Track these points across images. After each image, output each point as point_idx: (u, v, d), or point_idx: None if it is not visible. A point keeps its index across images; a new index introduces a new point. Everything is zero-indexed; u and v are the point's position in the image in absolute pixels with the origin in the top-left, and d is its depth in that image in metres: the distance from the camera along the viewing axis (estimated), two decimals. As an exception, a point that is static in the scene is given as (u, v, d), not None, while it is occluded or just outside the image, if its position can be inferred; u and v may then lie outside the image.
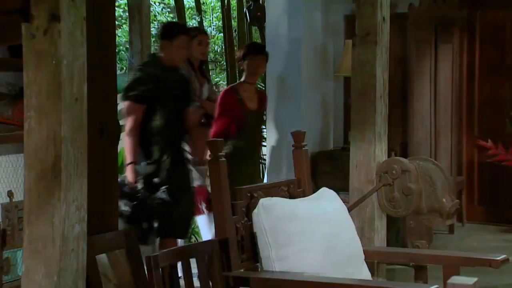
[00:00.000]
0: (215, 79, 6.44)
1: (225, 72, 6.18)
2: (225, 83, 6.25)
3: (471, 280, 1.53)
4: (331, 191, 3.07)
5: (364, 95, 3.59)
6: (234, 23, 6.02)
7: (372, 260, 3.13)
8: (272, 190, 2.92)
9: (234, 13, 5.99)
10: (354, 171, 3.66)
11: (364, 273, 2.88)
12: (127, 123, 4.08)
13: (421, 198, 3.53)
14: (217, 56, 6.57)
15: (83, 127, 2.07)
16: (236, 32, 6.00)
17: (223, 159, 2.69)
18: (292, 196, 3.02)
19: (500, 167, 6.08)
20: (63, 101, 1.99)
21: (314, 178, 5.73)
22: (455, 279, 1.59)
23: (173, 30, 4.17)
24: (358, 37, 3.55)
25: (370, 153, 3.62)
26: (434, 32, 6.05)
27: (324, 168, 5.64)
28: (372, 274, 3.11)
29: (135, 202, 4.02)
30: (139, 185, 4.05)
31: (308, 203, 2.94)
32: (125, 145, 4.10)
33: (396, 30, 5.80)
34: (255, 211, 2.73)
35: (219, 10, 6.25)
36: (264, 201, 2.75)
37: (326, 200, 2.99)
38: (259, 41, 6.08)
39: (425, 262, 2.91)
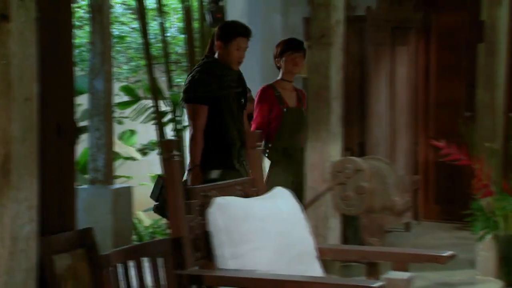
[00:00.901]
0: (176, 80, 6.49)
1: (186, 74, 6.24)
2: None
3: (406, 275, 1.60)
4: (286, 190, 3.13)
5: (319, 96, 3.68)
6: (195, 25, 6.07)
7: (326, 257, 3.20)
8: (227, 190, 2.97)
9: (196, 15, 6.04)
10: (309, 171, 3.75)
11: (316, 270, 2.95)
12: (191, 126, 3.92)
13: (374, 196, 3.63)
14: (178, 57, 6.62)
15: (34, 127, 2.09)
16: (198, 34, 6.04)
17: (177, 158, 2.74)
18: (246, 195, 3.07)
19: (455, 167, 6.22)
20: (13, 100, 2.01)
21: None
22: (391, 274, 1.66)
23: (230, 32, 4.02)
24: (313, 39, 3.64)
25: (325, 153, 3.71)
26: (391, 35, 6.18)
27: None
28: (326, 271, 3.19)
29: None
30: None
31: (263, 202, 2.99)
32: (189, 148, 3.92)
33: (355, 33, 5.93)
34: (210, 210, 2.78)
35: (181, 12, 6.28)
36: (219, 200, 2.80)
37: (280, 199, 3.05)
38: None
39: (375, 259, 2.99)
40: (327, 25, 3.56)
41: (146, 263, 2.57)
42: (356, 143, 6.05)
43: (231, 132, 3.92)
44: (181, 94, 4.03)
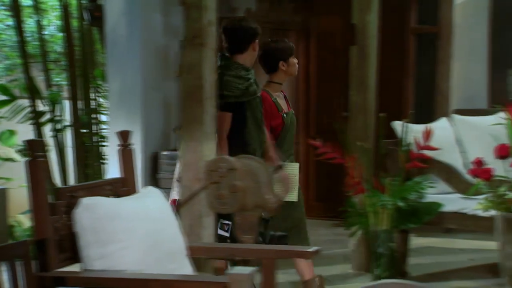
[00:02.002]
0: (55, 79, 6.34)
1: (65, 73, 6.10)
2: (65, 83, 6.16)
3: (248, 270, 1.66)
4: (156, 189, 3.14)
5: (192, 96, 3.71)
6: (74, 23, 5.95)
7: (198, 256, 3.24)
8: (95, 190, 2.95)
9: (75, 13, 5.92)
10: (184, 170, 3.77)
11: (186, 269, 2.98)
12: (219, 135, 3.76)
13: (247, 195, 3.69)
14: (57, 56, 6.48)
15: None
16: (77, 32, 5.93)
17: (42, 158, 2.69)
18: (117, 195, 3.06)
19: (333, 165, 6.43)
20: None
21: (156, 177, 5.80)
22: (234, 269, 1.71)
23: (251, 33, 3.91)
24: (186, 40, 3.66)
25: (199, 153, 3.74)
26: (271, 36, 6.29)
27: (166, 168, 5.71)
28: (199, 270, 3.23)
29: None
30: None
31: (132, 201, 2.99)
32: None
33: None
34: (76, 210, 2.75)
35: (59, 10, 6.14)
36: (85, 201, 2.77)
37: (150, 198, 3.06)
38: (99, 41, 6.05)
39: (245, 256, 3.05)
40: (199, 25, 3.60)
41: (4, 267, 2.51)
42: (238, 142, 6.12)
43: (253, 140, 3.80)
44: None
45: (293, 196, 4.25)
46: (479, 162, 2.43)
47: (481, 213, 3.38)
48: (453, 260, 5.45)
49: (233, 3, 6.42)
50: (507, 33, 6.48)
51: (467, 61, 6.44)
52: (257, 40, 3.98)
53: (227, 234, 3.60)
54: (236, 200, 3.70)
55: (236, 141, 3.78)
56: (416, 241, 5.63)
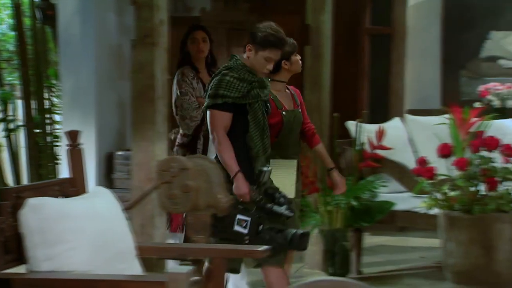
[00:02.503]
0: (8, 78, 6.25)
1: (18, 72, 6.02)
2: (18, 82, 6.08)
3: (186, 269, 1.66)
4: (106, 189, 3.12)
5: (144, 95, 3.69)
6: (27, 22, 5.87)
7: (149, 255, 3.23)
8: (43, 190, 2.91)
9: (27, 12, 5.84)
10: (135, 170, 3.75)
11: (135, 269, 2.96)
12: (215, 132, 3.58)
13: (199, 195, 3.68)
14: (9, 55, 6.39)
15: None
16: (29, 31, 5.85)
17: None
18: (66, 195, 3.03)
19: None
20: None
21: (111, 177, 5.76)
22: (173, 268, 1.72)
23: (268, 41, 3.58)
24: (137, 39, 3.65)
25: (151, 152, 3.72)
26: (227, 36, 6.30)
27: (121, 168, 5.67)
28: (151, 270, 3.21)
29: (260, 214, 3.47)
30: (256, 194, 3.50)
31: (81, 201, 2.96)
32: (220, 158, 3.60)
33: (190, 33, 6.00)
34: (22, 211, 2.71)
35: (11, 8, 6.05)
36: (31, 201, 2.73)
37: (100, 198, 3.04)
38: (51, 40, 5.99)
39: (195, 255, 3.05)
40: (150, 25, 3.58)
41: None
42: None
43: (255, 144, 3.62)
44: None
45: (290, 192, 4.12)
46: (422, 161, 2.48)
47: (430, 211, 3.44)
48: (405, 258, 5.52)
49: (188, 2, 6.41)
50: (459, 34, 6.60)
51: (420, 62, 6.54)
52: (269, 50, 3.60)
53: (245, 231, 3.42)
54: (188, 200, 3.69)
55: (238, 145, 3.62)
56: (370, 240, 5.69)
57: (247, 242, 3.37)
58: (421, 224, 4.55)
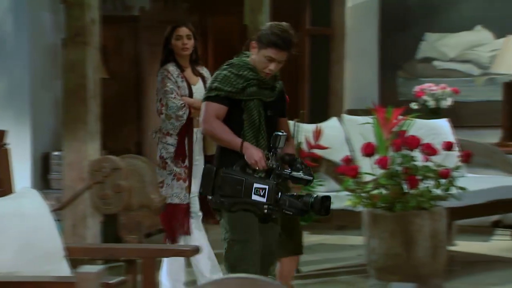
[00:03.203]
0: None
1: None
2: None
3: (96, 268, 1.66)
4: (33, 189, 3.08)
5: (75, 94, 3.66)
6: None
7: (78, 256, 3.19)
8: (-34, 191, 2.86)
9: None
10: (67, 170, 3.71)
11: (63, 270, 2.93)
12: (205, 121, 3.38)
13: (132, 194, 3.68)
14: None
15: None
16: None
17: None
18: (-9, 196, 2.98)
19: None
20: None
21: (47, 178, 5.68)
22: (83, 268, 1.71)
23: (270, 39, 3.40)
24: (68, 38, 3.61)
25: (83, 152, 3.69)
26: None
27: (57, 168, 5.60)
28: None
29: (277, 181, 3.30)
30: (273, 161, 3.31)
31: (6, 202, 2.92)
32: (219, 138, 3.41)
33: (130, 33, 5.97)
34: None
35: None
36: (-47, 202, 2.69)
37: (26, 199, 2.99)
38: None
39: (124, 256, 3.03)
40: (81, 24, 3.55)
41: None
42: (133, 142, 6.08)
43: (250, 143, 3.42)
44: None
45: None
46: (347, 160, 2.53)
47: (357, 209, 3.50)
48: (343, 256, 5.59)
49: (127, 1, 6.36)
50: (396, 35, 6.72)
51: (359, 62, 6.63)
52: (271, 49, 3.40)
53: (263, 200, 3.29)
54: (121, 200, 3.69)
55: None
56: (309, 239, 5.74)
57: (266, 210, 3.28)
58: (357, 222, 4.61)
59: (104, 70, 5.73)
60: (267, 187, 3.30)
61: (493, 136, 6.28)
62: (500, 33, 6.30)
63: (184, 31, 4.48)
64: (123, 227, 3.65)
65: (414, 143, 2.53)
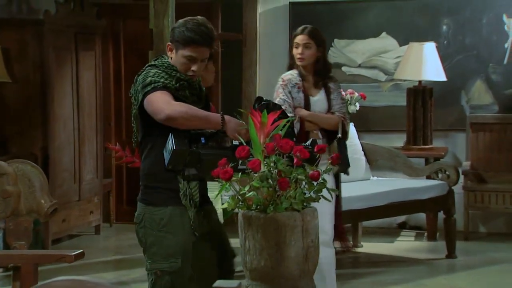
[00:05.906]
0: None
1: None
2: None
3: None
4: None
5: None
6: None
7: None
8: None
9: None
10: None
11: None
12: (163, 110, 2.98)
13: (20, 200, 3.61)
14: None
15: None
16: None
17: None
18: None
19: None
20: None
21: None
22: None
23: (186, 37, 3.12)
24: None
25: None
26: (74, 40, 6.21)
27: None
28: None
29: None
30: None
31: None
32: (191, 117, 3.02)
33: (34, 36, 5.87)
34: None
35: None
36: None
37: None
38: None
39: (4, 263, 2.99)
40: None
41: None
42: (39, 147, 5.98)
43: (182, 141, 3.02)
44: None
45: None
46: (222, 164, 2.55)
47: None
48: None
49: (33, 4, 6.26)
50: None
51: (270, 67, 6.69)
52: (189, 47, 3.11)
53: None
54: (8, 206, 3.61)
55: (161, 143, 3.08)
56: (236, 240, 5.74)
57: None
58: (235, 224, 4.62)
59: (7, 74, 5.62)
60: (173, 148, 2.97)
61: (399, 140, 6.44)
62: (403, 41, 6.47)
63: (301, 39, 4.19)
64: (10, 233, 3.59)
65: (287, 146, 2.57)
